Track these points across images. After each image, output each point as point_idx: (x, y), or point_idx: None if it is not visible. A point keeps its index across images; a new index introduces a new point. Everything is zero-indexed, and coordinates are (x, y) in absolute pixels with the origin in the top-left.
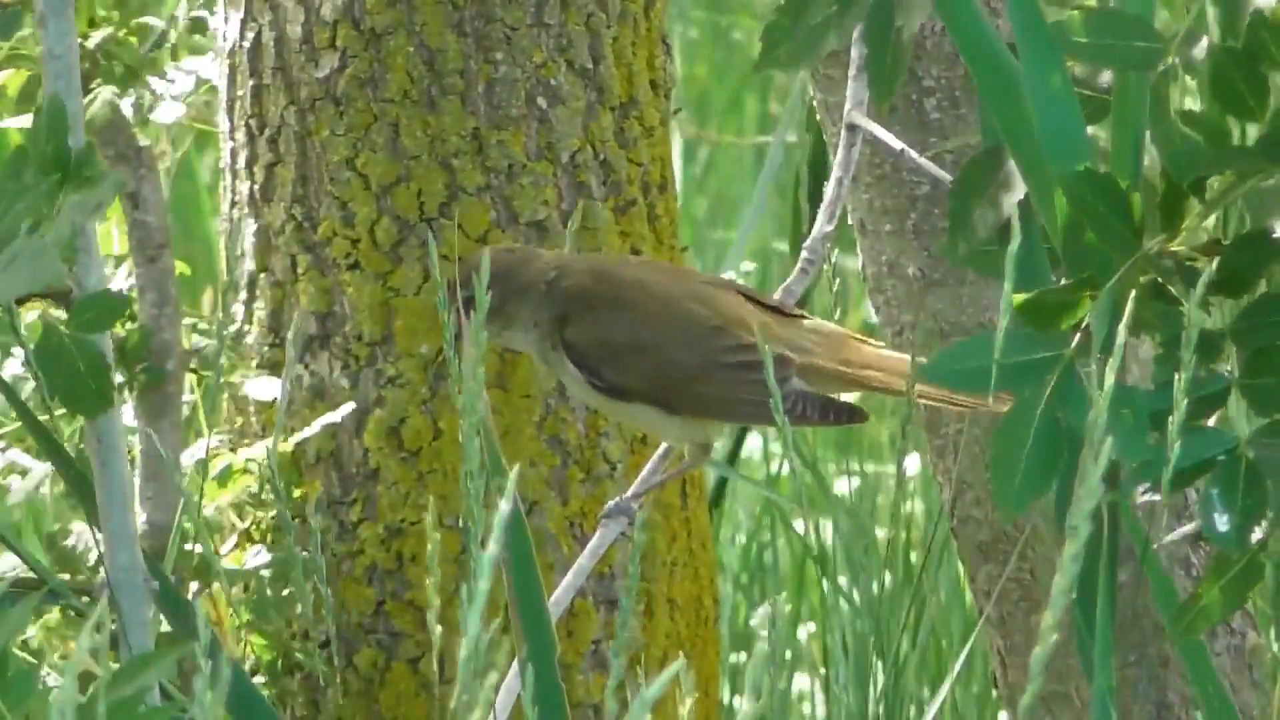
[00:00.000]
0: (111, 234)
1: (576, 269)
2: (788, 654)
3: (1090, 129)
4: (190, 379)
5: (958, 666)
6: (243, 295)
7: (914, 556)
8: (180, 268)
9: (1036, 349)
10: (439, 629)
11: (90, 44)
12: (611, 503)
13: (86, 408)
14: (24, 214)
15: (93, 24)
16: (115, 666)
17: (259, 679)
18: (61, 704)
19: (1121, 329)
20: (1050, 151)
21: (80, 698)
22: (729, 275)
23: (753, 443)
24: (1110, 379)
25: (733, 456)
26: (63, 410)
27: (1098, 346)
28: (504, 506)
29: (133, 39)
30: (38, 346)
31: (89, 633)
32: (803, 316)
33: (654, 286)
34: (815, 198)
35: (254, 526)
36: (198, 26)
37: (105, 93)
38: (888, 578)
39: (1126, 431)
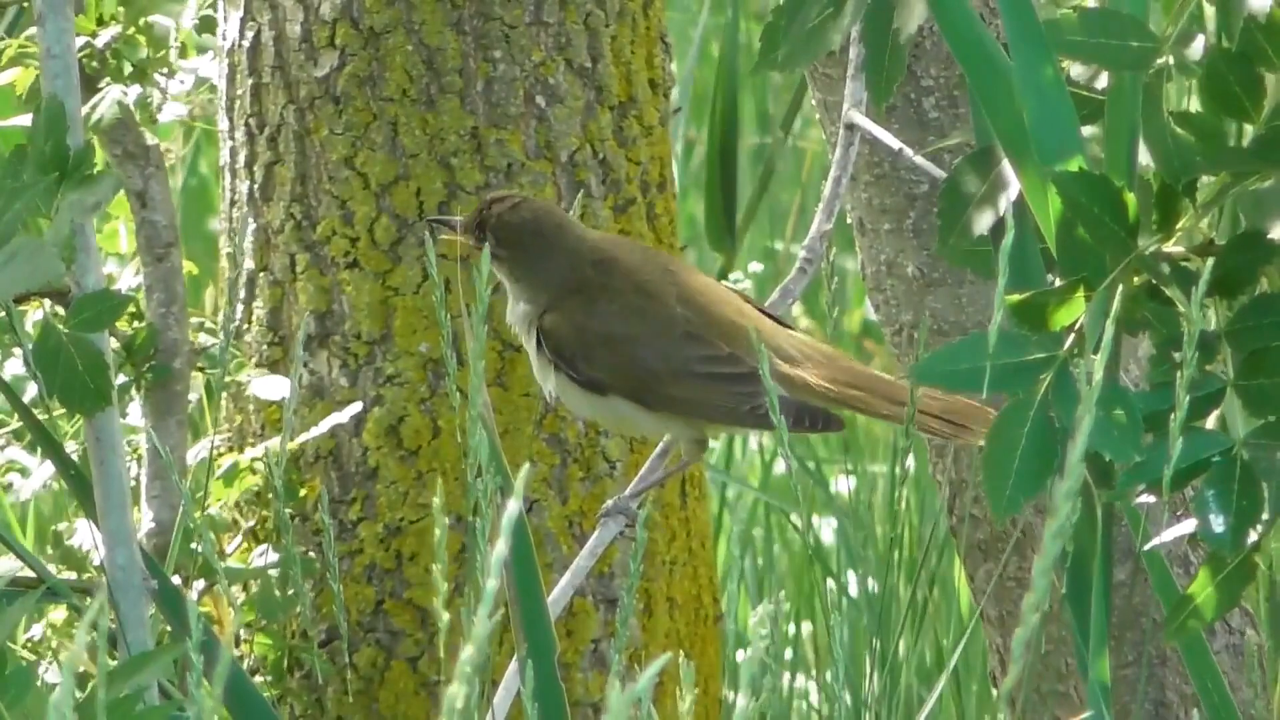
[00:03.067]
0: (119, 233)
1: (586, 259)
2: (788, 653)
3: (1085, 129)
4: (196, 377)
5: (953, 662)
6: (242, 294)
7: (910, 555)
8: (187, 266)
9: (1030, 349)
10: (446, 616)
11: (99, 42)
12: (609, 502)
13: (85, 406)
14: (23, 213)
15: (101, 22)
16: (113, 665)
17: (261, 679)
18: (59, 702)
19: (1109, 326)
20: (1043, 151)
21: (79, 694)
22: None
23: (751, 442)
24: (1099, 375)
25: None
26: (62, 409)
27: (1091, 347)
28: (512, 505)
29: (141, 37)
30: (36, 345)
31: (84, 631)
32: (793, 329)
33: (641, 278)
34: (728, 194)
35: (259, 526)
36: (207, 25)
37: (113, 91)
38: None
39: (1120, 433)
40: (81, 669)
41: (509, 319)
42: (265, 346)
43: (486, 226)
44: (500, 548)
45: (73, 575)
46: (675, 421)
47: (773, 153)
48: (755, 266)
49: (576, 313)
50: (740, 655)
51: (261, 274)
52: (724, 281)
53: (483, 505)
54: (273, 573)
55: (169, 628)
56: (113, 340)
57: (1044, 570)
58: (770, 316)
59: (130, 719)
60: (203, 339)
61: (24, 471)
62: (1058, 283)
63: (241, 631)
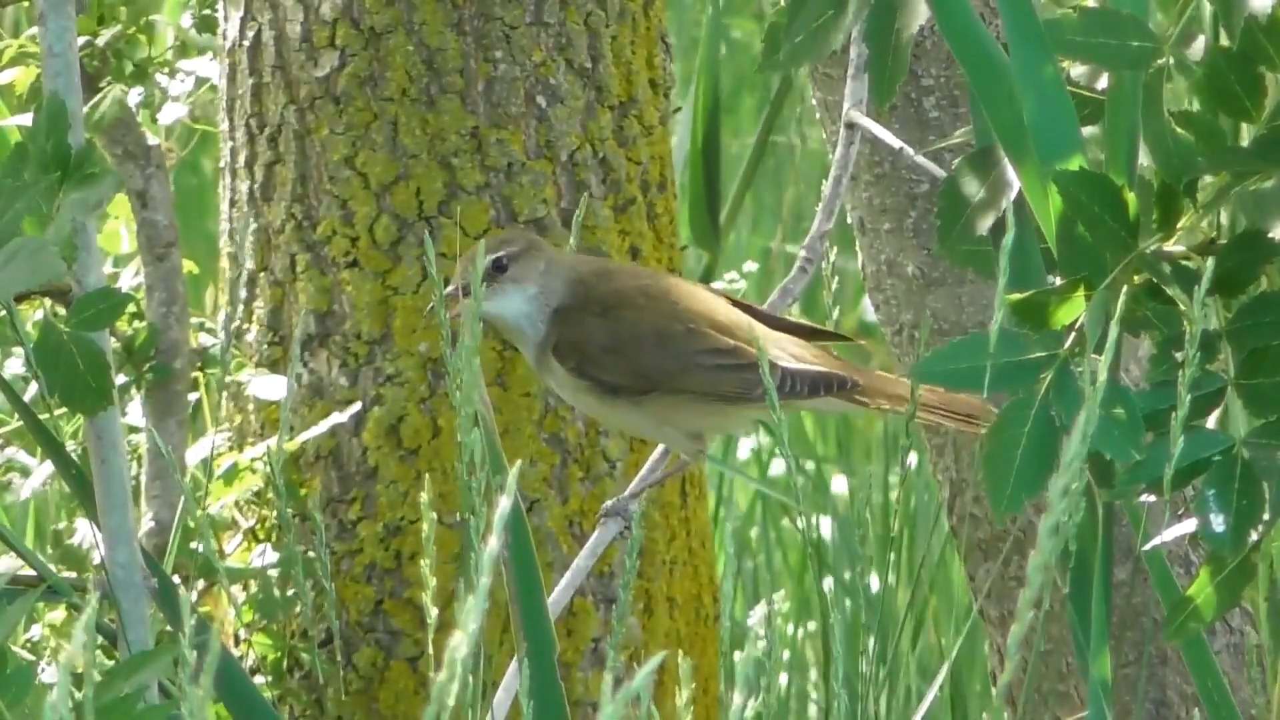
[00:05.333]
0: (120, 233)
1: (579, 273)
2: (786, 653)
3: (1086, 129)
4: (196, 377)
5: (953, 654)
6: (242, 294)
7: (907, 553)
8: (188, 266)
9: (1031, 348)
10: (435, 611)
11: (100, 42)
12: (609, 502)
13: (86, 406)
14: (24, 211)
15: (102, 21)
16: (110, 664)
17: (262, 679)
18: (55, 701)
19: (1113, 326)
20: (1043, 150)
21: (76, 694)
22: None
23: (748, 444)
24: (1102, 376)
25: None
26: (63, 409)
27: (1092, 346)
28: (504, 502)
29: (142, 37)
30: (37, 344)
31: (81, 630)
32: (790, 324)
33: (642, 283)
34: (711, 192)
35: (259, 525)
36: (207, 25)
37: (115, 91)
38: (886, 573)
39: (1120, 432)
40: (81, 669)
41: (531, 351)
42: (266, 346)
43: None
44: (493, 544)
45: (73, 574)
46: (685, 414)
47: (756, 153)
48: (750, 266)
49: (587, 321)
50: (737, 655)
51: (262, 274)
52: (715, 284)
53: (476, 503)
54: (272, 572)
55: (169, 627)
56: (113, 340)
57: (1039, 567)
58: (765, 316)
59: (130, 718)
60: (203, 339)
61: (24, 471)
62: (1058, 282)
63: (241, 631)
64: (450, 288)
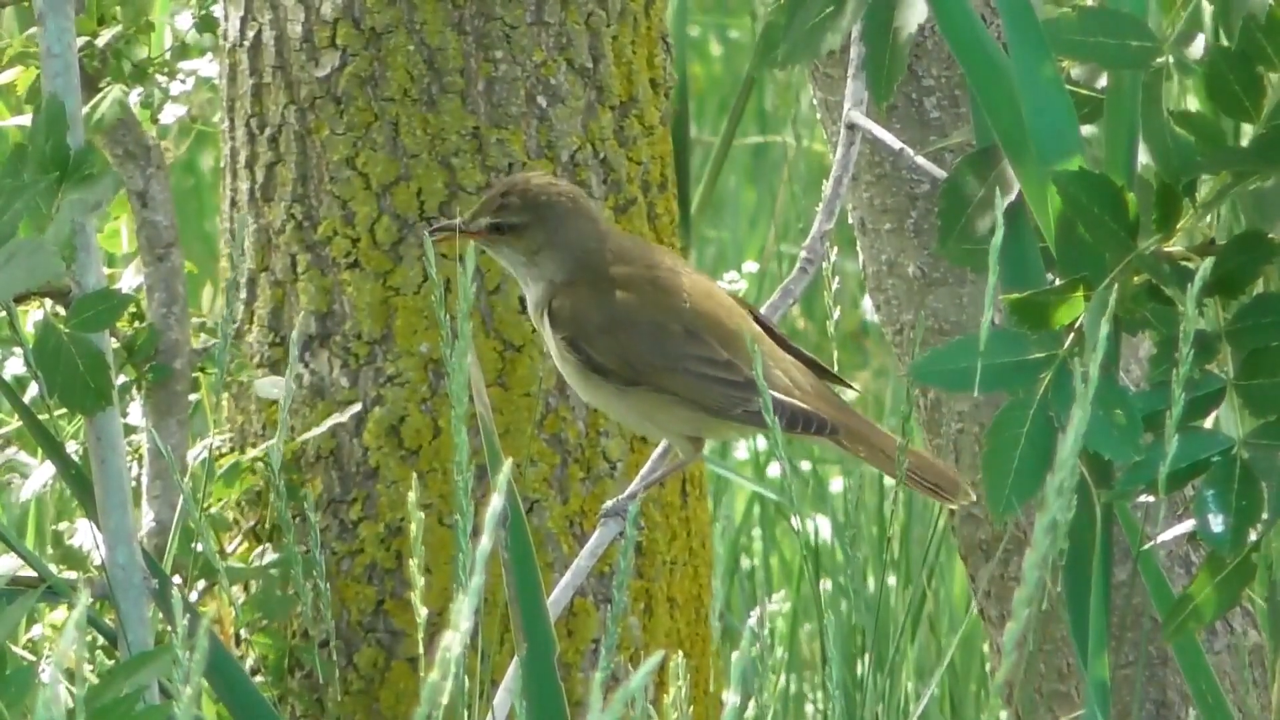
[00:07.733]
0: (120, 233)
1: (592, 251)
2: (785, 654)
3: (1085, 129)
4: (198, 377)
5: (947, 659)
6: (243, 294)
7: (903, 554)
8: (188, 266)
9: (1029, 349)
10: (424, 611)
11: (99, 42)
12: (610, 502)
13: (85, 406)
14: (23, 212)
15: (102, 22)
16: (109, 664)
17: (261, 678)
18: (48, 699)
19: (1104, 323)
20: (1042, 150)
21: (72, 689)
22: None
23: (745, 447)
24: (1094, 373)
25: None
26: (63, 409)
27: (1091, 347)
28: (496, 500)
29: (141, 37)
30: (37, 345)
31: (72, 627)
32: (795, 348)
33: (657, 273)
34: (681, 187)
35: (260, 525)
36: (207, 25)
37: (115, 91)
38: (882, 574)
39: (1119, 432)
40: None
41: (528, 302)
42: (267, 347)
43: (515, 194)
44: (484, 542)
45: (73, 575)
46: (668, 415)
47: (723, 149)
48: (751, 266)
49: (589, 297)
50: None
51: (263, 274)
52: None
53: (464, 503)
54: (275, 572)
55: (169, 627)
56: (113, 340)
57: (1034, 565)
58: (779, 339)
59: (129, 719)
60: (204, 339)
61: (24, 472)
62: (1058, 282)
63: (242, 631)
64: (459, 221)
